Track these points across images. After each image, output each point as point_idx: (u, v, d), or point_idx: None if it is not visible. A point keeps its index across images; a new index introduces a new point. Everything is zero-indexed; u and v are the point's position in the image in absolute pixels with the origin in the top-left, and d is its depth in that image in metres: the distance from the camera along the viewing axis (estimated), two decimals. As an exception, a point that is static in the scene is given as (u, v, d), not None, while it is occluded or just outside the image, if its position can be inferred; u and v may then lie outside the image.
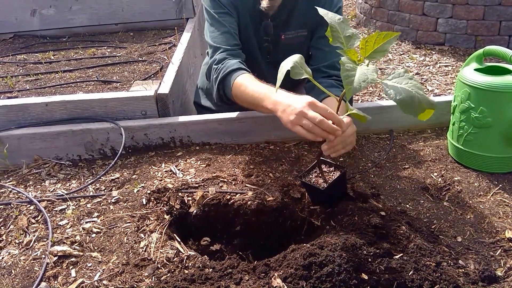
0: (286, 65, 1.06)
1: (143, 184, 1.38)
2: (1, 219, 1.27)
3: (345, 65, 0.95)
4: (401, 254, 0.99)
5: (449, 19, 4.05)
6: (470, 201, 1.23)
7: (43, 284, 1.03)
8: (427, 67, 3.79)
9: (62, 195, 1.36)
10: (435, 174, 1.35)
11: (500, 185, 1.28)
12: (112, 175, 1.45)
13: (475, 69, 1.34)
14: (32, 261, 1.11)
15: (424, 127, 1.61)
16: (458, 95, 1.35)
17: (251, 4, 1.51)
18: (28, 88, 1.96)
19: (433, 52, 4.07)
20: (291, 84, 1.11)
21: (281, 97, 1.20)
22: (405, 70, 1.00)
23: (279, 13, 1.53)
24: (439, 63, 3.85)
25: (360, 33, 4.70)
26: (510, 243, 1.08)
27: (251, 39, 1.57)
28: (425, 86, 3.46)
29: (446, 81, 3.51)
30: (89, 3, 2.68)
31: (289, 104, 1.15)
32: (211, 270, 1.00)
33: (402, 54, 4.10)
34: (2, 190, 1.41)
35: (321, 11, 1.07)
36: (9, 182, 1.46)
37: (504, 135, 1.27)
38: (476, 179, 1.31)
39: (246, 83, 1.34)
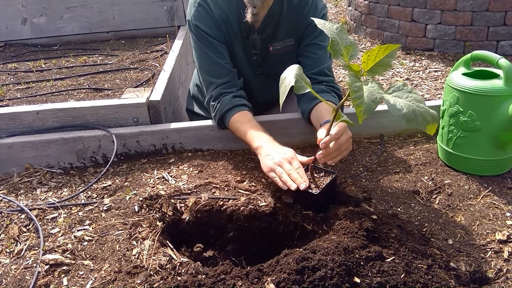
0: (288, 79, 1.04)
1: (135, 191, 1.37)
2: (-8, 228, 1.26)
3: (352, 86, 0.95)
4: (393, 257, 1.00)
5: (438, 25, 4.11)
6: (461, 204, 1.24)
7: (35, 293, 1.02)
8: (417, 72, 3.83)
9: (54, 203, 1.35)
10: (426, 177, 1.36)
11: (490, 188, 1.29)
12: (104, 182, 1.45)
13: (463, 74, 1.36)
14: (23, 270, 1.10)
15: (414, 132, 1.62)
16: (447, 99, 1.37)
17: (236, 20, 1.52)
18: (19, 96, 1.95)
19: (423, 58, 4.12)
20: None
21: (267, 145, 1.32)
22: (404, 84, 1.01)
23: (265, 26, 1.55)
24: (429, 68, 3.89)
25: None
26: (500, 245, 1.09)
27: (240, 54, 1.58)
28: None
29: (436, 86, 3.55)
30: (80, 11, 2.68)
31: (269, 154, 1.27)
32: (204, 276, 0.99)
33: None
34: (-8, 199, 1.40)
35: (319, 23, 1.07)
36: (0, 191, 1.45)
37: (493, 138, 1.29)
38: (466, 182, 1.33)
39: (240, 123, 1.45)
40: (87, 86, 2.00)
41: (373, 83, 0.97)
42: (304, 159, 1.27)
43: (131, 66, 2.23)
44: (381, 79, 3.74)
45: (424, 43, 4.24)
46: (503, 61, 1.26)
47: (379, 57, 1.01)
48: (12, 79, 2.20)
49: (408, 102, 0.96)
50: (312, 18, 1.11)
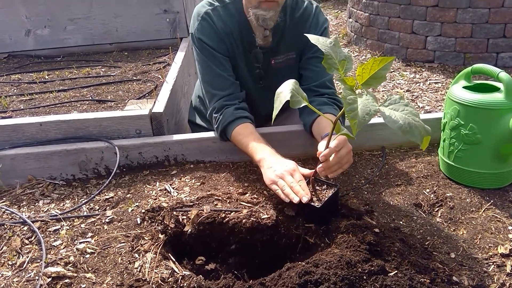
0: (284, 94, 1.06)
1: (137, 203, 1.38)
2: (-6, 241, 1.26)
3: (346, 99, 0.96)
4: (396, 271, 1.00)
5: (438, 37, 4.14)
6: (463, 217, 1.24)
7: (36, 306, 1.02)
8: (418, 84, 3.86)
9: (56, 215, 1.35)
10: (428, 190, 1.37)
11: (492, 201, 1.30)
12: (106, 194, 1.45)
13: (464, 87, 1.37)
14: (25, 283, 1.10)
15: (415, 144, 1.62)
16: (447, 112, 1.38)
17: (238, 35, 1.54)
18: (22, 108, 1.96)
19: (423, 69, 4.15)
20: (284, 105, 1.13)
21: (269, 157, 1.33)
22: (401, 97, 1.02)
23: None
24: (429, 80, 3.91)
25: (351, 51, 4.78)
26: (503, 259, 1.09)
27: (242, 67, 1.60)
28: (416, 103, 3.51)
29: (436, 97, 3.57)
30: (83, 23, 2.71)
31: (271, 166, 1.28)
32: (206, 289, 0.99)
33: (393, 71, 4.16)
34: (-5, 211, 1.40)
35: (312, 38, 1.08)
36: (2, 202, 1.45)
37: (494, 151, 1.30)
38: (468, 195, 1.33)
39: (242, 135, 1.46)
40: (90, 98, 2.01)
41: (367, 96, 0.98)
42: (306, 171, 1.27)
43: (134, 78, 2.25)
44: (382, 91, 3.76)
45: (424, 55, 4.27)
46: (503, 74, 1.27)
47: (373, 70, 1.02)
48: (15, 91, 2.22)
49: (404, 115, 0.97)
50: (306, 35, 1.12)
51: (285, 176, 1.23)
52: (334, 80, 1.62)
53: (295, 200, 1.17)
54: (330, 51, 1.05)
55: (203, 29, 1.52)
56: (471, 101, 1.29)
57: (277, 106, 1.07)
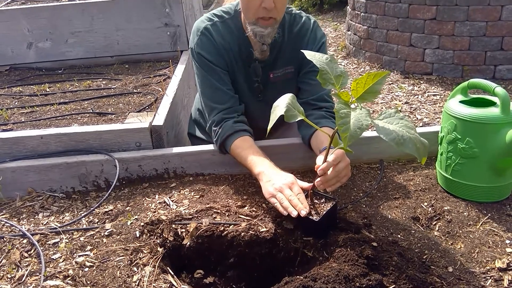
0: (280, 108, 1.08)
1: (136, 216, 1.38)
2: (-7, 254, 1.27)
3: (339, 112, 0.97)
4: (394, 286, 1.00)
5: (436, 49, 4.18)
6: (460, 231, 1.25)
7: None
8: (416, 96, 3.88)
9: (55, 228, 1.35)
10: (426, 203, 1.37)
11: (489, 215, 1.30)
12: (106, 207, 1.46)
13: (460, 101, 1.39)
14: (23, 297, 1.10)
15: (413, 157, 1.63)
16: (444, 126, 1.40)
17: (237, 50, 1.56)
18: (23, 120, 1.98)
19: (421, 82, 4.18)
20: (283, 119, 1.15)
21: (268, 171, 1.34)
22: (396, 111, 1.03)
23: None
24: (428, 92, 3.94)
25: (350, 64, 4.81)
26: (500, 273, 1.09)
27: (241, 81, 1.62)
28: (414, 115, 3.53)
29: (434, 110, 3.59)
30: (85, 36, 2.74)
31: (270, 180, 1.29)
32: (204, 303, 1.00)
33: (391, 83, 4.19)
34: (-6, 224, 1.41)
35: (308, 54, 1.10)
36: (2, 215, 1.46)
37: (491, 165, 1.31)
38: (466, 209, 1.34)
39: (241, 148, 1.47)
40: (91, 110, 2.03)
41: (361, 110, 1.00)
42: (305, 184, 1.28)
43: (134, 91, 2.27)
44: (381, 103, 3.78)
45: (422, 67, 4.31)
46: (499, 89, 1.29)
47: (368, 85, 1.03)
48: (16, 103, 2.24)
49: (398, 128, 0.99)
50: (303, 51, 1.14)
51: (283, 189, 1.24)
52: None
53: (294, 214, 1.18)
54: (326, 66, 1.07)
55: (203, 44, 1.54)
56: (468, 115, 1.31)
57: (272, 119, 1.09)
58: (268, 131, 1.11)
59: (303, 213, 1.17)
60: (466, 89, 1.42)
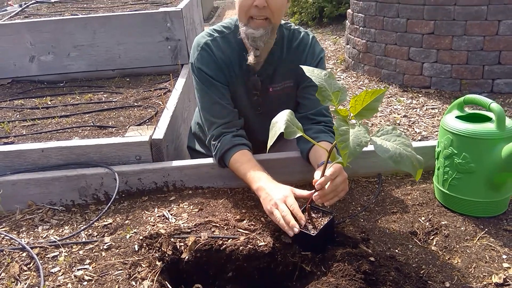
0: (279, 124, 1.09)
1: (135, 230, 1.39)
2: (-7, 267, 1.27)
3: (339, 130, 0.99)
4: (391, 301, 1.00)
5: (434, 63, 4.22)
6: (457, 246, 1.25)
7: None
8: (414, 109, 3.91)
9: (55, 241, 1.36)
10: (423, 218, 1.38)
11: (486, 229, 1.31)
12: (105, 220, 1.46)
13: (457, 117, 1.41)
14: (22, 311, 1.10)
15: (411, 171, 1.65)
16: (441, 141, 1.41)
17: (237, 63, 1.59)
18: (24, 133, 2.00)
19: (420, 95, 4.21)
20: (282, 134, 1.17)
21: (265, 186, 1.34)
22: (393, 128, 1.04)
23: (265, 68, 1.61)
24: (426, 105, 3.97)
25: (349, 77, 4.84)
26: (497, 288, 1.10)
27: (241, 95, 1.64)
28: (413, 129, 3.55)
29: (433, 123, 3.61)
30: (87, 50, 2.77)
31: (269, 194, 1.30)
32: (202, 318, 1.00)
33: (390, 97, 4.22)
34: (-6, 237, 1.42)
35: (307, 70, 1.12)
36: (2, 228, 1.46)
37: (487, 180, 1.32)
38: (463, 223, 1.34)
39: (240, 162, 1.49)
40: (92, 124, 2.05)
41: (360, 127, 1.01)
42: (305, 193, 1.28)
43: (135, 104, 2.29)
44: (379, 116, 3.81)
45: (421, 81, 4.35)
46: (494, 105, 1.31)
47: (366, 102, 1.05)
48: (18, 116, 2.26)
49: (395, 145, 1.00)
50: (301, 66, 1.16)
51: (278, 205, 1.25)
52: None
53: (290, 234, 1.19)
54: (324, 83, 1.09)
55: (203, 59, 1.57)
56: (464, 131, 1.32)
57: (272, 136, 1.10)
58: (268, 149, 1.12)
59: (295, 230, 1.18)
60: (462, 105, 1.44)
